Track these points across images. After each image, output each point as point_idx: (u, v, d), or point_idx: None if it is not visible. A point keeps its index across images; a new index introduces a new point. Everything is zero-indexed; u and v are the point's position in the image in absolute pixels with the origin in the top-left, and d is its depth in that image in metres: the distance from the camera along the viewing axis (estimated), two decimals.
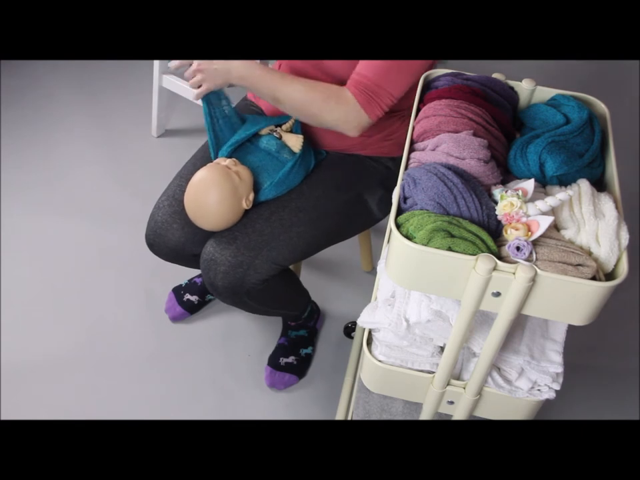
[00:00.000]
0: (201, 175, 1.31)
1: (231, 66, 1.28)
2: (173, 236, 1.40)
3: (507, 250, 0.83)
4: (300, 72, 1.38)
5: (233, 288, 1.33)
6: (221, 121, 1.36)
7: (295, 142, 1.38)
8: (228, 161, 1.32)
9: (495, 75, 1.07)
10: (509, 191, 0.88)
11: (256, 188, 1.35)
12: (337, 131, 1.28)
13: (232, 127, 1.38)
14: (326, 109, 1.25)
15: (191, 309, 1.78)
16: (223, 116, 1.36)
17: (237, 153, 1.37)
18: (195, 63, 1.30)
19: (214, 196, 1.28)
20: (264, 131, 1.39)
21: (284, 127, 1.40)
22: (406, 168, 0.96)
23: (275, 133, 1.39)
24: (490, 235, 0.85)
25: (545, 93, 1.07)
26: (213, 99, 1.34)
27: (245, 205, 1.33)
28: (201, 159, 1.44)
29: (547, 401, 1.00)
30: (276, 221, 1.34)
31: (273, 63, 1.56)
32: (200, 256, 1.39)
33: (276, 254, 1.33)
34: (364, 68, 1.23)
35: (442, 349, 1.00)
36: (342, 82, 1.32)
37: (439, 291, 0.86)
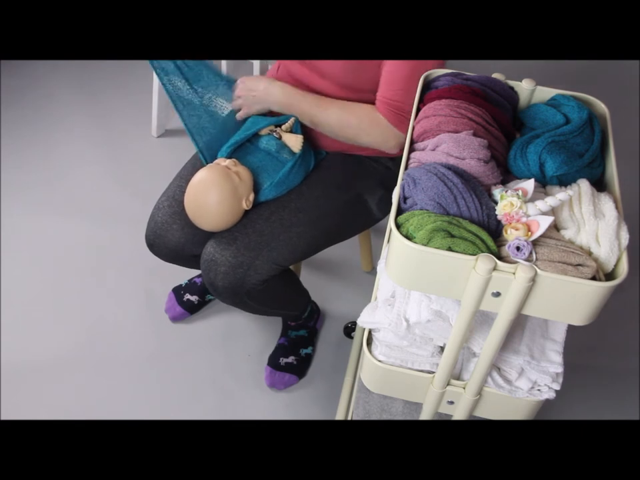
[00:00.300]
0: (200, 175, 1.31)
1: (269, 93, 1.35)
2: (172, 236, 1.40)
3: (507, 250, 0.83)
4: (297, 74, 1.38)
5: (233, 288, 1.33)
6: (196, 118, 1.36)
7: (294, 142, 1.37)
8: (228, 162, 1.32)
9: (494, 75, 1.07)
10: (509, 191, 0.88)
11: (256, 188, 1.35)
12: (378, 149, 1.35)
13: (214, 121, 1.39)
14: (361, 132, 1.32)
15: (191, 309, 1.78)
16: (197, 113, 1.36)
17: (237, 153, 1.37)
18: (237, 89, 1.39)
19: (214, 196, 1.28)
20: (264, 131, 1.39)
21: (284, 126, 1.40)
22: (406, 168, 0.96)
23: (274, 133, 1.39)
24: (490, 235, 0.85)
25: (545, 93, 1.07)
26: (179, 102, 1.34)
27: (245, 205, 1.32)
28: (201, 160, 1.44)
29: (547, 400, 1.00)
30: (276, 221, 1.34)
31: (272, 64, 1.56)
32: (200, 256, 1.39)
33: (276, 254, 1.33)
34: (387, 91, 1.28)
35: (442, 349, 1.00)
36: (339, 83, 1.32)
37: (439, 290, 0.86)
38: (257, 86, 1.37)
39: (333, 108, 1.33)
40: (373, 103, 1.32)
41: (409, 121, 1.27)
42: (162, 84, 1.34)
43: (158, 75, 1.34)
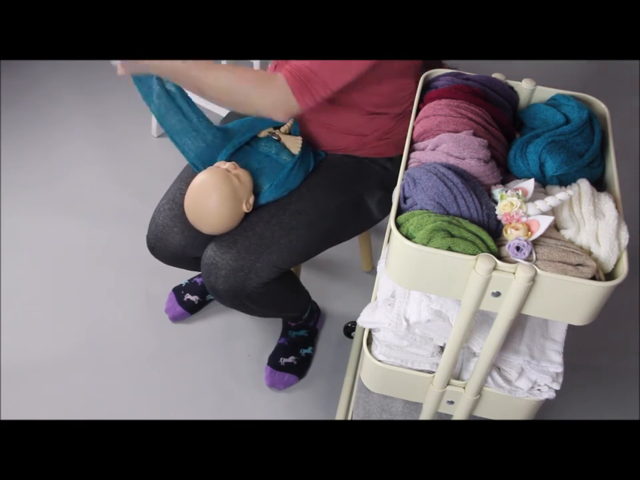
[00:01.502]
0: (201, 178, 1.31)
1: (152, 61, 1.21)
2: (173, 239, 1.40)
3: (507, 250, 0.83)
4: None
5: (234, 292, 1.32)
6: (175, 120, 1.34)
7: (293, 144, 1.37)
8: (228, 164, 1.32)
9: (494, 75, 1.07)
10: (509, 191, 0.88)
11: (255, 191, 1.35)
12: (263, 116, 1.24)
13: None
14: (255, 95, 1.20)
15: (191, 309, 1.78)
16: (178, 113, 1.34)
17: (236, 156, 1.37)
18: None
19: (214, 199, 1.28)
20: (262, 134, 1.39)
21: (282, 128, 1.40)
22: (406, 168, 0.96)
23: (273, 136, 1.38)
24: (490, 235, 0.85)
25: (545, 93, 1.07)
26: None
27: (245, 208, 1.32)
28: None
29: (547, 400, 1.00)
30: (276, 224, 1.34)
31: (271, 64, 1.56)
32: (201, 259, 1.38)
33: (276, 257, 1.33)
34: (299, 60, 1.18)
35: (442, 348, 1.00)
36: None
37: (439, 290, 0.86)
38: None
39: (224, 70, 1.20)
40: (359, 102, 1.31)
41: (310, 93, 1.17)
42: (147, 104, 1.34)
43: (143, 94, 1.34)
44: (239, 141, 1.36)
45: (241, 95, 1.20)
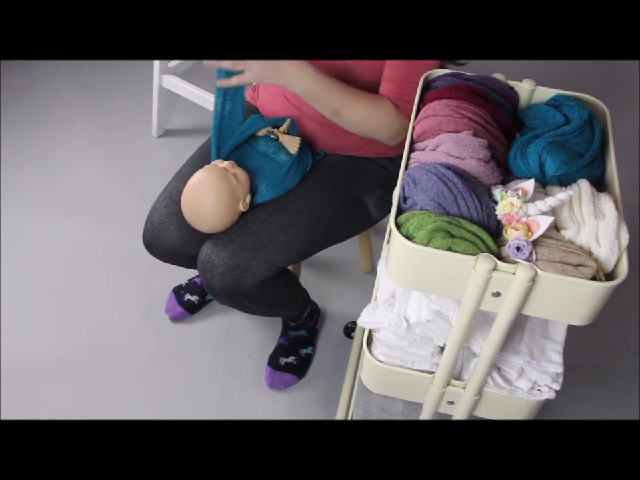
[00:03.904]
0: (198, 176, 1.31)
1: (299, 77, 1.24)
2: (169, 237, 1.40)
3: (507, 250, 0.83)
4: None
5: (230, 289, 1.32)
6: (227, 117, 1.36)
7: (292, 143, 1.37)
8: (225, 163, 1.32)
9: (495, 75, 1.07)
10: (509, 191, 0.88)
11: (252, 190, 1.35)
12: (383, 141, 1.33)
13: (233, 124, 1.38)
14: (383, 127, 1.30)
15: (191, 309, 1.78)
16: (230, 112, 1.35)
17: (234, 154, 1.37)
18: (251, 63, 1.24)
19: (211, 198, 1.28)
20: (261, 133, 1.39)
21: (281, 128, 1.39)
22: (406, 168, 0.96)
23: (272, 135, 1.38)
24: (490, 235, 0.85)
25: (545, 93, 1.07)
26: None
27: (242, 207, 1.32)
28: (198, 160, 1.43)
29: (547, 400, 1.00)
30: (273, 222, 1.34)
31: None
32: (197, 257, 1.38)
33: (273, 255, 1.33)
34: (401, 88, 1.26)
35: (442, 349, 1.00)
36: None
37: (439, 290, 0.86)
38: (284, 65, 1.23)
39: (362, 100, 1.27)
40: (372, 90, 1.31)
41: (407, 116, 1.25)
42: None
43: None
44: (237, 139, 1.36)
45: (371, 126, 1.30)
